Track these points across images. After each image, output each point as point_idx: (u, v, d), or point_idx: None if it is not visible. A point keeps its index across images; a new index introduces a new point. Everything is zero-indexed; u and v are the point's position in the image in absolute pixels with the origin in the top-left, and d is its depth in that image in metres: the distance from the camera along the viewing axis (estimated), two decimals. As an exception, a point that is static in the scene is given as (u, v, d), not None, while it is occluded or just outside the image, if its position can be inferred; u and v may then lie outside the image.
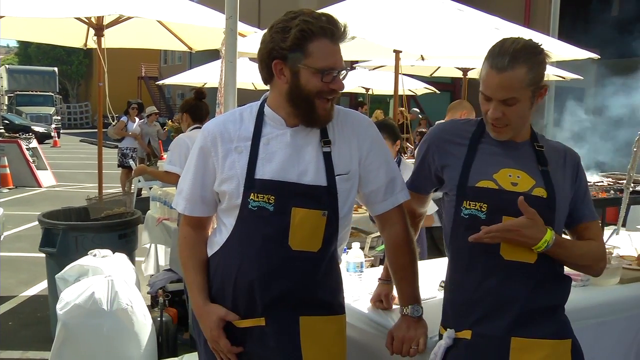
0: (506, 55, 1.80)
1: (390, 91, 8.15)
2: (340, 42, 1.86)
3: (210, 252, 2.01)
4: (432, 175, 2.05)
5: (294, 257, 1.87)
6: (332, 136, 1.94)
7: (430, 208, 2.41)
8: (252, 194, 1.87)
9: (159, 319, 3.95)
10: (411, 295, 2.05)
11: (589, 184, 2.29)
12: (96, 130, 6.04)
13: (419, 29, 5.06)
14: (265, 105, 1.96)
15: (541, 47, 1.87)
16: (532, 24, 13.54)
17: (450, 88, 18.81)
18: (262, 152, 1.90)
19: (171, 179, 4.17)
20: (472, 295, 1.88)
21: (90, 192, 11.20)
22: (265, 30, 1.92)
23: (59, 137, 25.24)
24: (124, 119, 10.89)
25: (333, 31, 1.82)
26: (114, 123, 10.94)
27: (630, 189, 4.44)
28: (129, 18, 5.57)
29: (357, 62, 10.37)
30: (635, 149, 4.20)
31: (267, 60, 1.86)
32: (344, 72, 1.87)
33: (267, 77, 1.92)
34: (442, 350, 1.90)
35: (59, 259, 4.22)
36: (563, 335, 1.88)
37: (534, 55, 1.83)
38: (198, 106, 4.58)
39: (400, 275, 2.07)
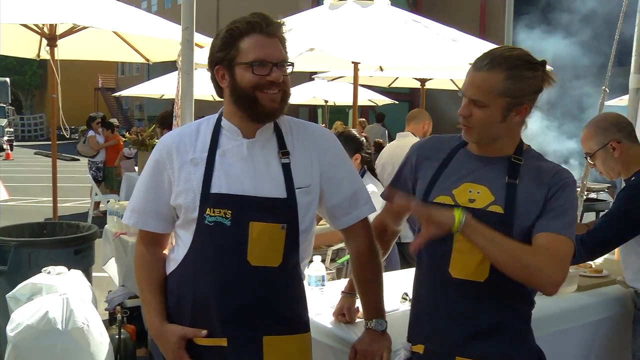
0: (490, 56, 1.76)
1: (349, 102, 8.19)
2: (274, 35, 1.81)
3: (169, 270, 1.96)
4: (409, 189, 2.00)
5: (253, 272, 1.82)
6: (290, 148, 1.90)
7: None
8: (208, 208, 1.82)
9: (117, 336, 3.85)
10: (375, 308, 2.04)
11: None
12: (51, 142, 5.87)
13: (377, 40, 5.10)
14: (222, 116, 1.93)
15: (537, 64, 1.75)
16: (487, 35, 13.82)
17: (408, 98, 19.05)
18: (218, 164, 1.86)
19: None
20: (425, 310, 1.89)
21: (45, 207, 10.99)
22: None
23: (11, 149, 24.57)
24: (91, 133, 10.55)
25: (261, 25, 1.78)
26: (82, 140, 10.62)
27: (584, 197, 4.56)
28: (83, 28, 5.44)
29: (315, 73, 10.41)
30: (588, 158, 4.30)
31: (211, 71, 1.87)
32: (289, 66, 1.83)
33: (217, 88, 1.90)
34: None
35: (11, 277, 4.05)
36: (512, 358, 1.82)
37: (519, 67, 1.73)
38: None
39: (365, 288, 2.06)
